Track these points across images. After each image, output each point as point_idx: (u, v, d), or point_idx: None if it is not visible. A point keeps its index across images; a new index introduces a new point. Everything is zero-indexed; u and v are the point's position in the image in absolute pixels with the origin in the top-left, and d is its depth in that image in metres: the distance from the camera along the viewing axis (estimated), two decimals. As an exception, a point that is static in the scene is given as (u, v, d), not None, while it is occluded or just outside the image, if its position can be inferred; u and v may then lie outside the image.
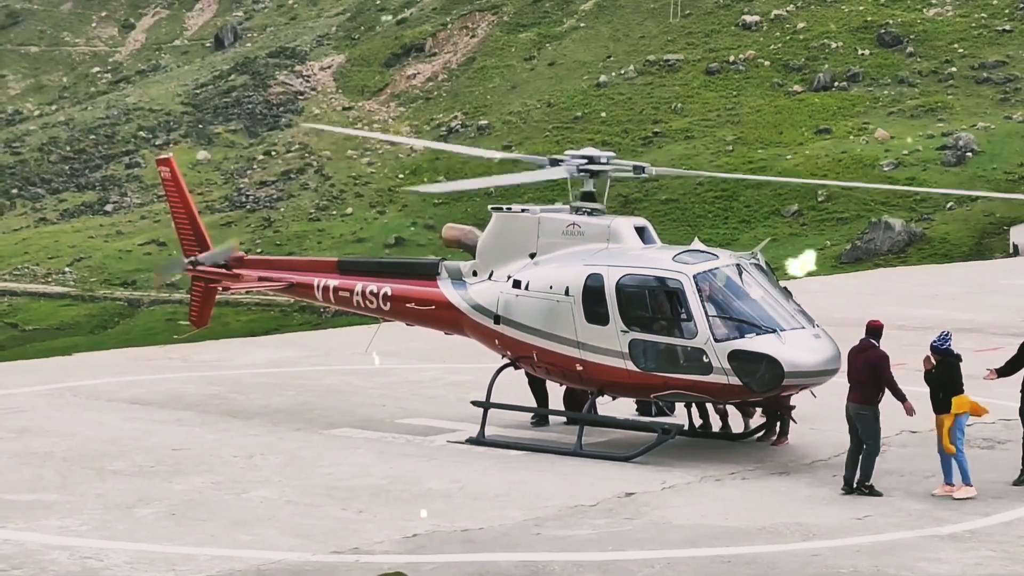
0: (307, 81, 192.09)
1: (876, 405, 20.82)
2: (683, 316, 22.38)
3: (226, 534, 18.08)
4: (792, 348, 21.95)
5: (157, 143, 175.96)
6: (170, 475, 21.41)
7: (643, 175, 24.95)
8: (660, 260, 23.06)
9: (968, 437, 24.65)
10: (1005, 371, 22.82)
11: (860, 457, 20.83)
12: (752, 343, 21.96)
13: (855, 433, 20.92)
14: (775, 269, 24.84)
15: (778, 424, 24.03)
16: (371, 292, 26.50)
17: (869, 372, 20.77)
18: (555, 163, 25.08)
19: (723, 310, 22.33)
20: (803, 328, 22.42)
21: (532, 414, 25.67)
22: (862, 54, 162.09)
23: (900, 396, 20.76)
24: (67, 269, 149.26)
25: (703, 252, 23.28)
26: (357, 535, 18.06)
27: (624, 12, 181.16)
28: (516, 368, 24.89)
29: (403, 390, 29.50)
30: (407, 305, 26.15)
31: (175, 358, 34.31)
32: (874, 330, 21.18)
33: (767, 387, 22.16)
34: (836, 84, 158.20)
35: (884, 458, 23.02)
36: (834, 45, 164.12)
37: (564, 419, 25.52)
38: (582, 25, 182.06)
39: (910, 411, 20.90)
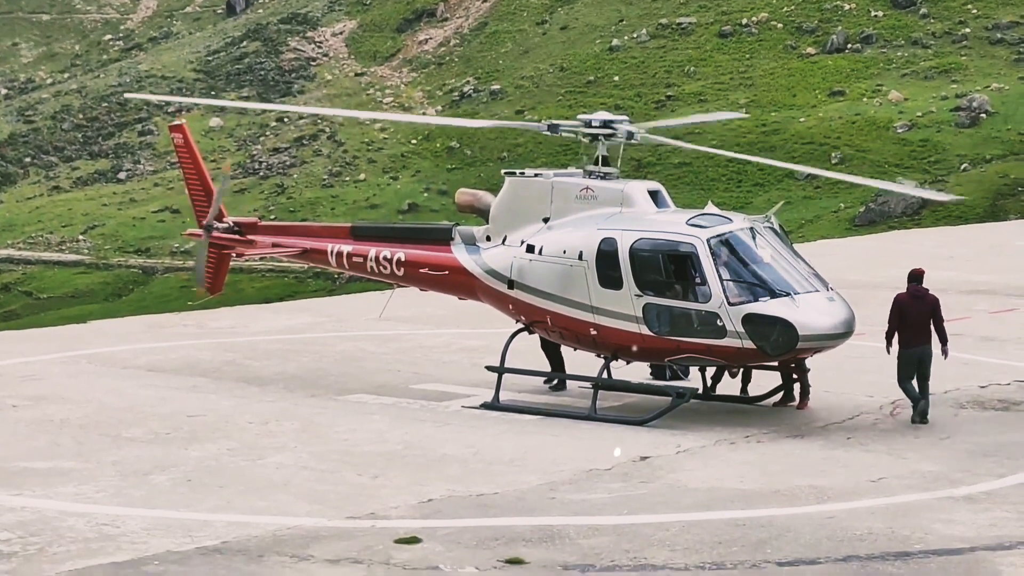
0: (319, 47, 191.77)
1: None
2: (697, 280, 22.36)
3: (242, 500, 18.13)
4: (806, 311, 21.93)
5: (170, 110, 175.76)
6: (186, 442, 21.46)
7: (633, 141, 24.88)
8: (674, 224, 23.04)
9: (983, 398, 24.77)
10: None
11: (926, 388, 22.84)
12: (766, 307, 21.95)
13: (918, 371, 22.77)
14: (789, 232, 24.81)
15: (798, 387, 24.00)
16: (385, 258, 26.50)
17: (931, 315, 22.76)
18: (554, 129, 25.12)
19: (737, 274, 22.31)
20: (817, 291, 22.41)
21: (545, 378, 25.70)
22: (875, 16, 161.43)
23: (946, 337, 23.02)
24: (81, 237, 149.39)
25: (717, 216, 23.25)
26: (373, 500, 18.11)
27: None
28: (530, 333, 24.91)
29: (417, 355, 29.53)
30: (421, 270, 26.15)
31: (190, 325, 34.36)
32: (920, 276, 23.03)
33: (781, 350, 22.16)
34: (849, 46, 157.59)
35: (898, 421, 23.06)
36: (847, 7, 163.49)
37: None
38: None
39: (946, 354, 23.13)
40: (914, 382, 22.84)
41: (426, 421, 23.06)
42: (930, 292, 22.97)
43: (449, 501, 18.11)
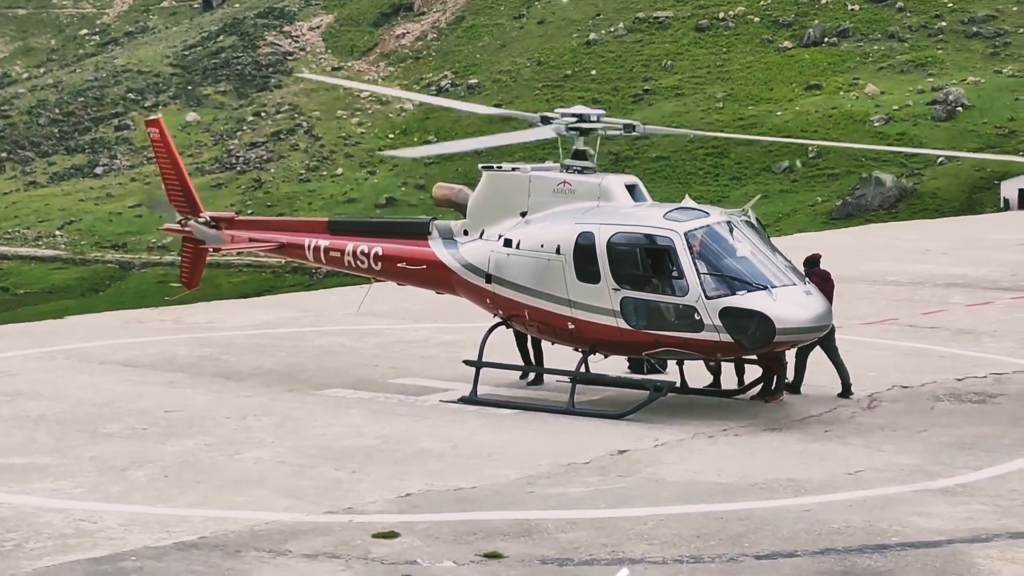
0: (296, 41, 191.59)
1: None
2: (674, 274, 22.35)
3: (219, 495, 18.10)
4: (783, 305, 21.94)
5: (146, 105, 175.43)
6: (163, 437, 21.41)
7: (633, 133, 24.89)
8: (651, 218, 23.03)
9: (960, 391, 24.83)
10: None
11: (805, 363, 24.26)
12: (743, 300, 21.95)
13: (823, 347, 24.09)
14: (766, 226, 24.86)
15: (773, 381, 24.05)
16: (362, 252, 26.47)
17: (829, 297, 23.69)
18: (546, 120, 25.05)
19: (714, 267, 22.30)
20: (794, 284, 22.41)
21: (521, 372, 25.70)
22: (852, 9, 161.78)
23: None
24: (58, 232, 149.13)
25: (694, 209, 23.25)
26: (351, 495, 18.09)
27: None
28: (508, 327, 24.91)
29: (395, 350, 29.51)
30: (398, 265, 26.13)
31: (167, 320, 34.29)
32: (818, 260, 24.69)
33: (758, 344, 22.16)
34: (826, 40, 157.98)
35: (876, 413, 23.11)
36: (823, 1, 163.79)
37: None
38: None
39: None
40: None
41: (404, 416, 23.04)
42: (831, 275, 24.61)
43: (427, 495, 18.10)
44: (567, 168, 24.52)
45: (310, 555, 15.58)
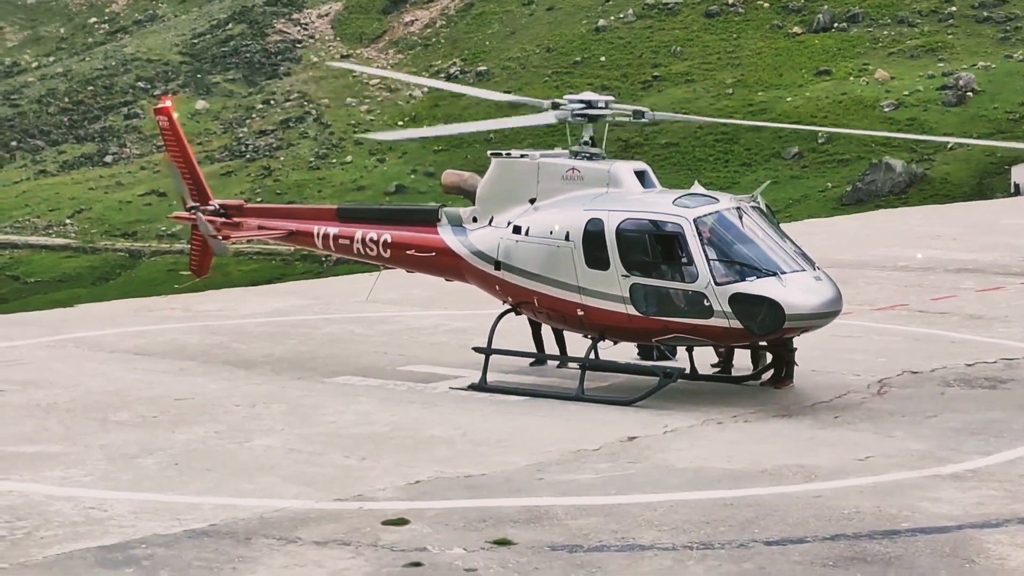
0: (305, 29, 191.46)
1: None
2: (684, 260, 22.34)
3: (229, 483, 18.12)
4: (793, 291, 21.92)
5: (156, 93, 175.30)
6: (173, 425, 21.44)
7: (643, 119, 24.86)
8: (660, 204, 23.02)
9: (970, 376, 24.80)
10: None
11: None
12: (753, 286, 21.93)
13: None
14: (776, 212, 24.81)
15: (783, 367, 24.01)
16: (371, 239, 26.48)
17: None
18: (556, 107, 25.04)
19: (724, 253, 22.28)
20: (804, 270, 22.38)
21: (533, 360, 25.71)
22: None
23: None
24: (68, 221, 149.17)
25: (703, 196, 23.23)
26: (360, 482, 18.10)
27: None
28: (517, 314, 24.90)
29: (404, 337, 29.52)
30: (407, 252, 26.12)
31: (177, 308, 34.31)
32: None
33: (768, 330, 22.15)
34: (836, 25, 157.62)
35: (886, 399, 23.09)
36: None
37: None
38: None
39: None
40: None
41: (413, 403, 23.05)
42: None
43: (437, 482, 18.10)
44: (576, 155, 24.51)
45: (320, 542, 15.60)
